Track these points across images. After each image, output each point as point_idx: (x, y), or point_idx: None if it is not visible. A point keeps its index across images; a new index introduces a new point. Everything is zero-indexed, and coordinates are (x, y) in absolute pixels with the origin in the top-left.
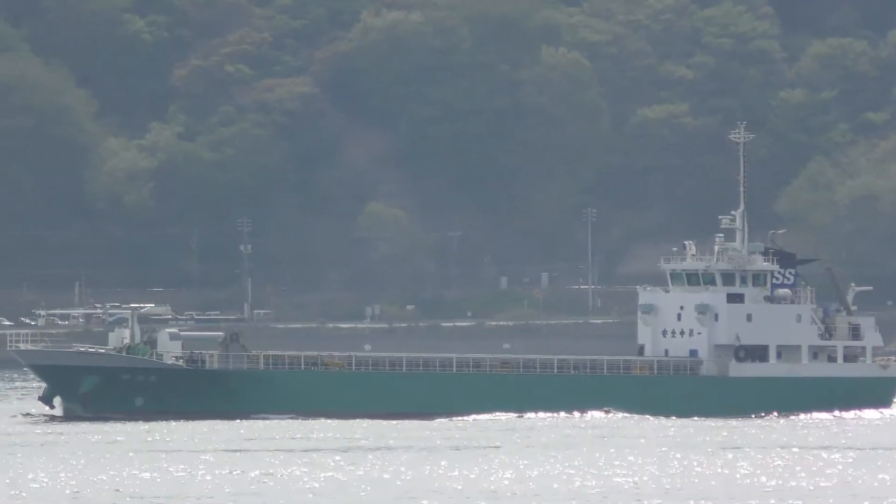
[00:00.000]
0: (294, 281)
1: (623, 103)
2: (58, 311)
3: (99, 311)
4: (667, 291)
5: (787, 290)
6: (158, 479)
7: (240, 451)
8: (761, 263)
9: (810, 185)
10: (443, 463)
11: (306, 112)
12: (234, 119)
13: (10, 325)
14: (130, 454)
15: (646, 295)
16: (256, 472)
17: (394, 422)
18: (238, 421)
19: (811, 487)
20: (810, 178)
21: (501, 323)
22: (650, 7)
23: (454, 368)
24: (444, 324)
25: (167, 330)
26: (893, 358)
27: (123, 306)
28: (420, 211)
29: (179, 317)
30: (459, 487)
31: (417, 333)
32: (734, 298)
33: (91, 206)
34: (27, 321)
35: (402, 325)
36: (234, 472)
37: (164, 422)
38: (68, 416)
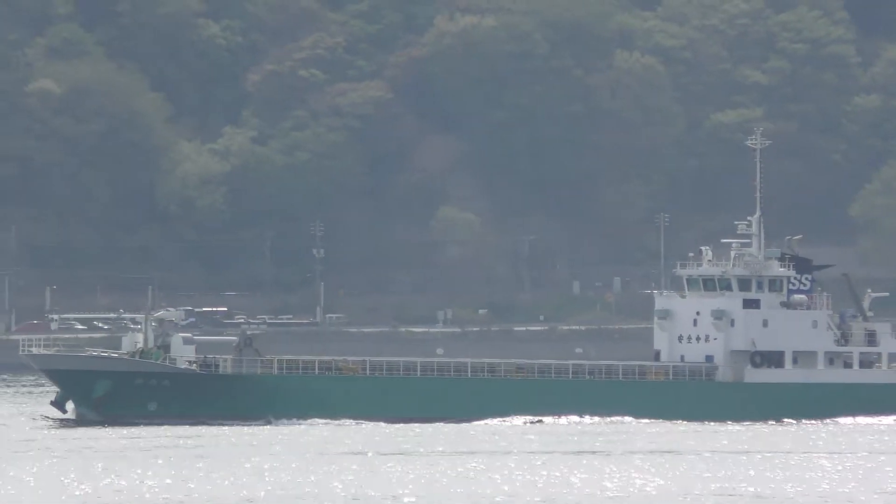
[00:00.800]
0: (366, 285)
1: (697, 108)
2: (71, 316)
3: (113, 315)
4: (683, 297)
5: (803, 296)
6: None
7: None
8: (777, 269)
9: (885, 189)
10: (584, 463)
11: (380, 116)
12: (308, 123)
13: (82, 329)
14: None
15: (662, 300)
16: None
17: (478, 423)
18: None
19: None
20: (885, 183)
21: (573, 327)
22: (725, 12)
23: (469, 373)
24: (516, 328)
25: (180, 334)
26: None
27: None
28: (493, 215)
29: (252, 321)
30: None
31: (489, 337)
32: (750, 304)
33: (164, 209)
34: (98, 325)
35: (475, 329)
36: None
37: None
38: (81, 421)
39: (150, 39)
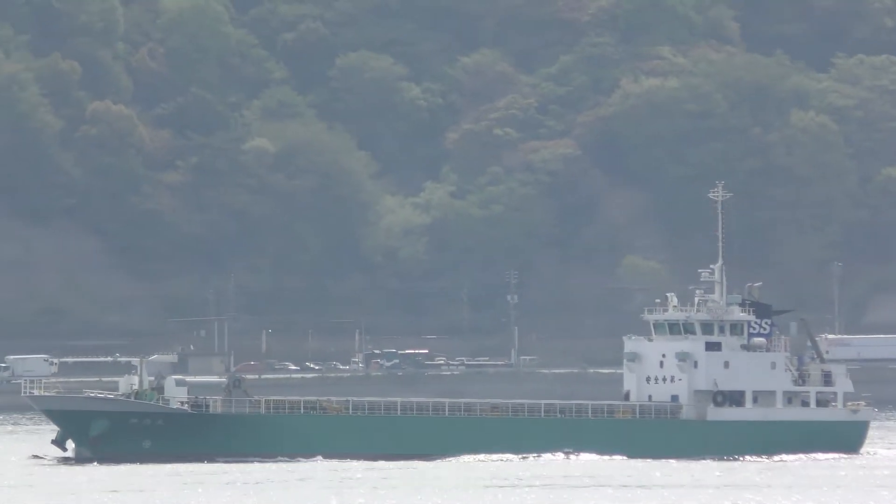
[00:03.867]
0: (557, 329)
1: (869, 163)
2: (69, 360)
3: (110, 359)
4: (650, 340)
5: (762, 339)
6: None
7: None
8: (738, 314)
9: None
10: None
11: (569, 172)
12: (502, 178)
13: (295, 369)
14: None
15: (630, 344)
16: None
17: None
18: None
19: None
20: None
21: None
22: (895, 73)
23: (446, 412)
24: None
25: (173, 377)
26: (863, 403)
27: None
28: (675, 263)
29: (452, 362)
30: None
31: None
32: (712, 346)
33: (370, 259)
34: (311, 365)
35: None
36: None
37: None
38: (79, 459)
39: (357, 101)
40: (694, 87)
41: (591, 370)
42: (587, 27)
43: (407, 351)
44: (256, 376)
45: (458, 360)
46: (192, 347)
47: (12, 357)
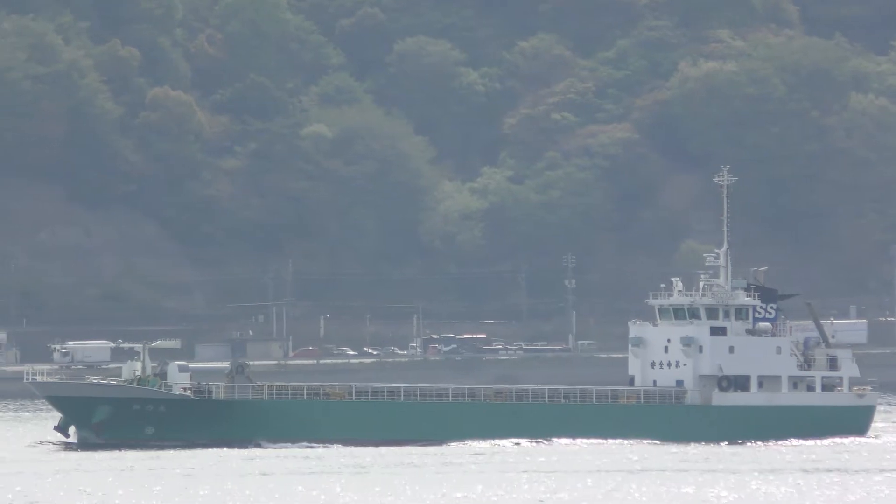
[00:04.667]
0: (615, 313)
1: None
2: (70, 345)
3: (113, 345)
4: (655, 325)
5: (767, 324)
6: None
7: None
8: (743, 298)
9: None
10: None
11: (627, 156)
12: (560, 163)
13: (353, 354)
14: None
15: (635, 329)
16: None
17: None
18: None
19: None
20: None
21: None
22: None
23: (450, 398)
24: None
25: (176, 363)
26: (869, 388)
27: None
28: (732, 247)
29: (509, 347)
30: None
31: None
32: (717, 331)
33: (428, 244)
34: (369, 350)
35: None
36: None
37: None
38: (82, 445)
39: (414, 87)
40: (752, 71)
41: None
42: (645, 10)
43: (464, 336)
44: (314, 361)
45: (515, 345)
46: (250, 333)
47: (72, 343)
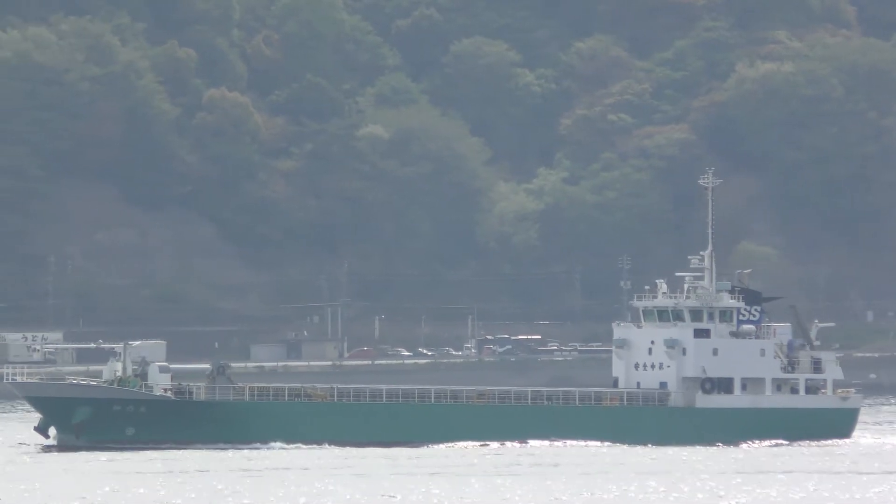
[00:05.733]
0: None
1: None
2: (52, 346)
3: (92, 345)
4: (639, 327)
5: (751, 326)
6: None
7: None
8: (727, 301)
9: None
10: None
11: (683, 157)
12: (616, 164)
13: (408, 355)
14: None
15: (619, 330)
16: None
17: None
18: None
19: None
20: None
21: (867, 354)
22: None
23: (432, 399)
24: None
25: (156, 363)
26: (853, 390)
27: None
28: (790, 249)
29: (564, 348)
30: None
31: None
32: (701, 333)
33: (483, 245)
34: (424, 351)
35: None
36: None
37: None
38: (62, 446)
39: (471, 88)
40: (810, 72)
41: None
42: (702, 11)
43: (519, 337)
44: (369, 362)
45: (570, 346)
46: (305, 333)
47: (129, 343)
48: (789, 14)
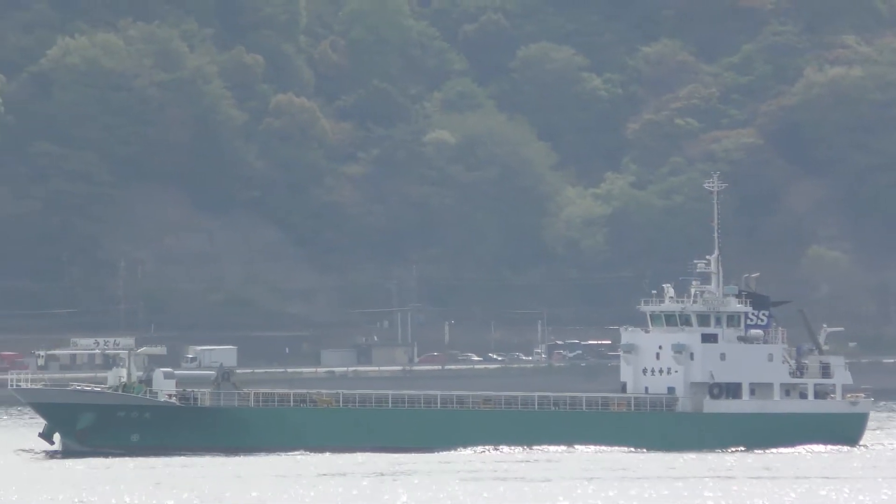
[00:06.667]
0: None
1: None
2: (57, 352)
3: (97, 351)
4: (647, 332)
5: (759, 331)
6: None
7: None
8: (735, 305)
9: None
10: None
11: (751, 161)
12: (683, 169)
13: (478, 360)
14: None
15: (627, 335)
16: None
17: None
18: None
19: None
20: None
21: None
22: None
23: (438, 405)
24: (884, 360)
25: (161, 369)
26: (862, 395)
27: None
28: (860, 253)
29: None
30: None
31: (859, 369)
32: (708, 338)
33: (551, 250)
34: (494, 356)
35: (846, 361)
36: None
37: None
38: (67, 452)
39: (537, 92)
40: (879, 76)
41: None
42: (770, 15)
43: (589, 342)
44: (440, 367)
45: None
46: (375, 338)
47: (198, 348)
48: (857, 18)
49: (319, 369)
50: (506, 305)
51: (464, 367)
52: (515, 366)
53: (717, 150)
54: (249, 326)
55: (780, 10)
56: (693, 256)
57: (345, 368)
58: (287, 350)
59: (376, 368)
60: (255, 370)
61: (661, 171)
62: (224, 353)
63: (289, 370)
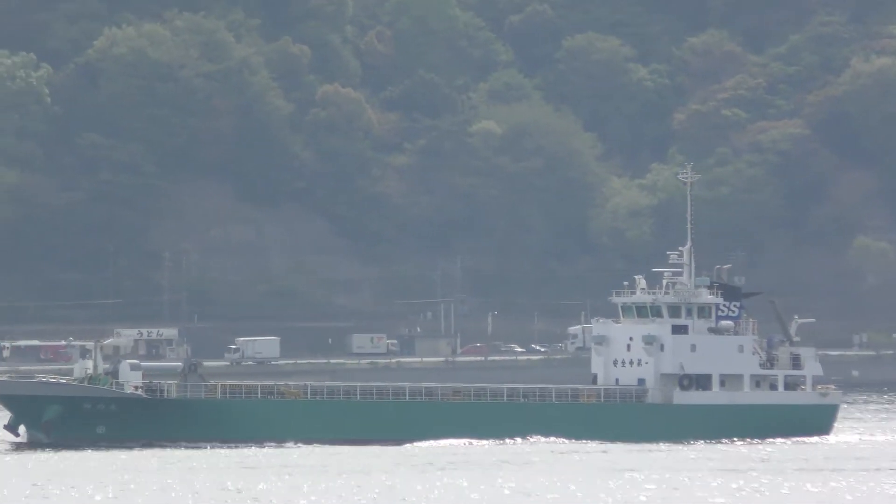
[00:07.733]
0: (786, 310)
1: None
2: (22, 343)
3: (63, 343)
4: (618, 323)
5: (729, 322)
6: None
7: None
8: (706, 297)
9: None
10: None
11: (798, 152)
12: (730, 159)
13: (521, 351)
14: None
15: (598, 327)
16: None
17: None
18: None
19: None
20: None
21: None
22: None
23: (406, 397)
24: None
25: (128, 361)
26: (832, 386)
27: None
28: None
29: None
30: None
31: None
32: (679, 330)
33: (596, 241)
34: (537, 347)
35: (889, 352)
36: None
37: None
38: (32, 444)
39: (584, 83)
40: None
41: (821, 352)
42: (817, 6)
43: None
44: (483, 358)
45: None
46: (418, 329)
47: (242, 339)
48: None
49: (362, 361)
50: (550, 296)
51: (507, 358)
52: (558, 357)
53: (764, 141)
54: (294, 317)
55: (827, 0)
56: (739, 247)
57: (387, 360)
58: (330, 341)
59: (419, 359)
60: (298, 361)
61: (708, 161)
62: (267, 344)
63: (331, 361)
